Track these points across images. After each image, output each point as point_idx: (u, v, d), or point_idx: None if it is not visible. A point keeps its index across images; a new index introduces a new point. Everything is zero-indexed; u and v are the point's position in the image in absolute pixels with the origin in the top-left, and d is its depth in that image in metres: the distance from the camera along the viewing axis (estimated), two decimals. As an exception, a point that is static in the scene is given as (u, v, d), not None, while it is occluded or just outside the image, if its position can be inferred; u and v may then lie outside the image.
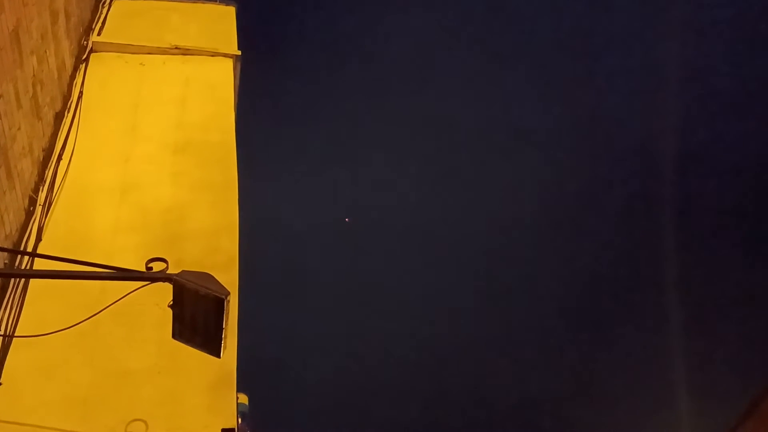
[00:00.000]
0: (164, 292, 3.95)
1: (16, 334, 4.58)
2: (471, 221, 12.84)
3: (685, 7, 16.06)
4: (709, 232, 13.17)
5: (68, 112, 6.47)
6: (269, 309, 10.78)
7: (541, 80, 14.76)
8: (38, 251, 5.12)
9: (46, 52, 5.92)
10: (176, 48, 7.46)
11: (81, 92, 6.69)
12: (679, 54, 15.37)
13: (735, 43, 15.83)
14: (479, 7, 15.63)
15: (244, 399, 7.03)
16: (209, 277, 3.94)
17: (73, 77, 6.85)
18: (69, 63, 6.74)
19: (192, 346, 3.97)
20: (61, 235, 5.39)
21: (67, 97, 6.59)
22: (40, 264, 4.86)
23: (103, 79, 6.98)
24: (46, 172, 5.85)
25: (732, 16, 16.05)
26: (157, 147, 6.34)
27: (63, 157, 6.03)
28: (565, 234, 13.02)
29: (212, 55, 7.50)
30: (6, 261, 4.92)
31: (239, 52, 7.59)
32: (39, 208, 5.52)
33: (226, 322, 3.87)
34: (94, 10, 7.71)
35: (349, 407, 10.79)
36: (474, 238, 12.66)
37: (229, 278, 4.78)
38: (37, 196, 5.58)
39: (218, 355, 3.95)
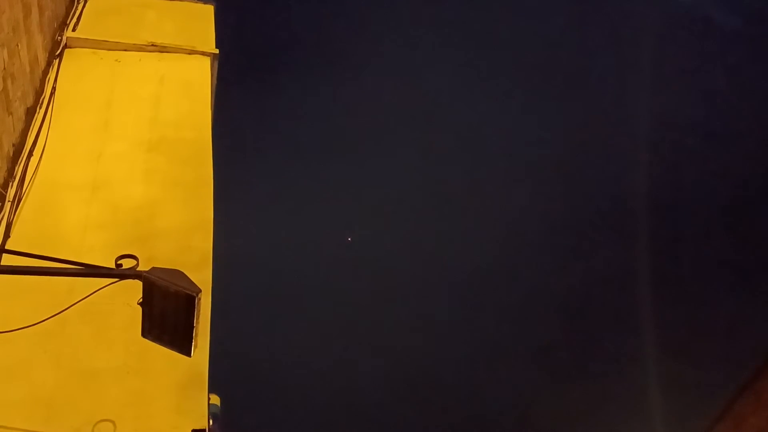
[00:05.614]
0: (134, 290, 3.86)
1: (-21, 332, 4.46)
2: (466, 233, 12.81)
3: (679, 6, 16.32)
4: (701, 237, 13.30)
5: (40, 107, 6.36)
6: (247, 311, 10.68)
7: (538, 87, 14.86)
8: (6, 248, 5.00)
9: (17, 45, 5.80)
10: (152, 45, 7.37)
11: (54, 88, 6.58)
12: (673, 55, 15.57)
13: (730, 44, 16.07)
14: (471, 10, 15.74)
15: (216, 400, 6.89)
16: (180, 275, 3.85)
17: (46, 72, 6.73)
18: (42, 58, 6.62)
19: (162, 345, 3.88)
20: (30, 231, 5.27)
21: (39, 93, 6.48)
22: (7, 260, 4.74)
23: (77, 75, 6.87)
24: (16, 167, 5.73)
25: (726, 16, 16.28)
26: (130, 144, 6.25)
27: (34, 153, 5.92)
28: (562, 241, 13.03)
29: (189, 53, 7.42)
30: (-28, 257, 4.80)
31: (217, 51, 7.51)
32: (8, 205, 5.40)
33: (197, 320, 3.79)
34: (69, 5, 7.59)
35: (325, 412, 10.69)
36: (469, 251, 12.60)
37: (202, 277, 4.71)
38: (6, 192, 5.46)
39: (189, 354, 3.87)
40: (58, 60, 6.96)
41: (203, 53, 7.45)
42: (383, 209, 12.94)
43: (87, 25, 7.46)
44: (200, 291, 3.76)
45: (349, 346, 11.23)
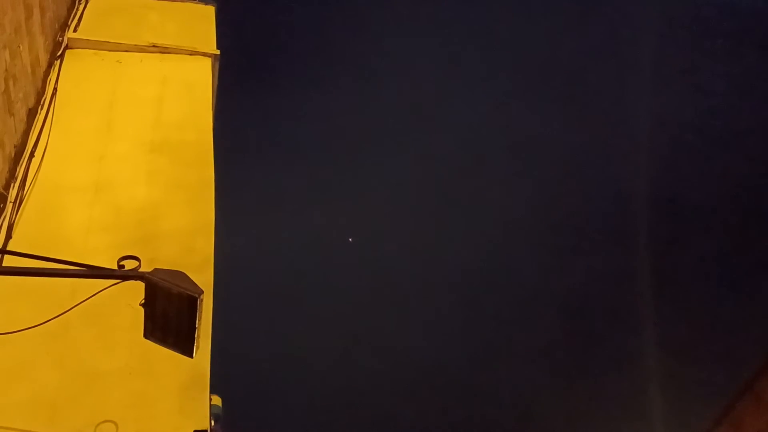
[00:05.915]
0: (136, 291, 3.87)
1: (-18, 334, 4.47)
2: (466, 233, 12.82)
3: (679, 6, 16.37)
4: (701, 236, 13.32)
5: (42, 108, 6.37)
6: (249, 311, 10.68)
7: (538, 87, 14.90)
8: (8, 249, 5.01)
9: (19, 46, 5.82)
10: (154, 46, 7.39)
11: (55, 89, 6.59)
12: (673, 55, 15.61)
13: (731, 44, 16.12)
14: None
15: (217, 401, 6.90)
16: (183, 276, 3.87)
17: (47, 73, 6.75)
18: (44, 59, 6.64)
19: (164, 346, 3.89)
20: (32, 233, 5.28)
21: (41, 94, 6.49)
22: (9, 261, 4.75)
23: (79, 76, 6.88)
24: (18, 169, 5.74)
25: (723, 15, 16.34)
26: (132, 146, 6.25)
27: (35, 154, 5.93)
28: (562, 241, 13.04)
29: (190, 54, 7.43)
30: (-26, 259, 4.81)
31: (218, 52, 7.53)
32: (10, 206, 5.41)
33: (199, 321, 3.80)
34: (71, 6, 7.61)
35: (325, 412, 10.70)
36: (469, 251, 12.60)
37: (204, 279, 4.72)
38: (8, 194, 5.48)
39: (191, 356, 3.88)
40: (59, 61, 6.97)
41: (204, 54, 7.46)
42: (384, 209, 12.94)
43: (88, 26, 7.47)
44: (202, 292, 3.77)
45: (349, 346, 11.22)
